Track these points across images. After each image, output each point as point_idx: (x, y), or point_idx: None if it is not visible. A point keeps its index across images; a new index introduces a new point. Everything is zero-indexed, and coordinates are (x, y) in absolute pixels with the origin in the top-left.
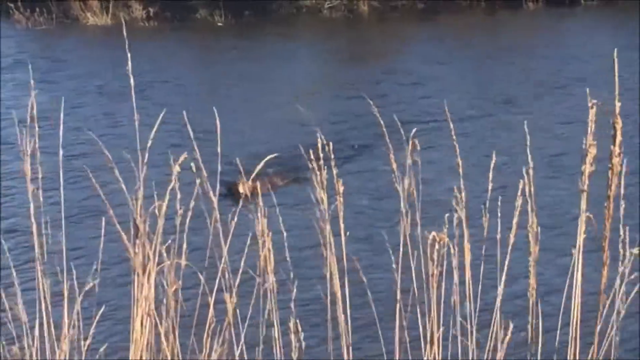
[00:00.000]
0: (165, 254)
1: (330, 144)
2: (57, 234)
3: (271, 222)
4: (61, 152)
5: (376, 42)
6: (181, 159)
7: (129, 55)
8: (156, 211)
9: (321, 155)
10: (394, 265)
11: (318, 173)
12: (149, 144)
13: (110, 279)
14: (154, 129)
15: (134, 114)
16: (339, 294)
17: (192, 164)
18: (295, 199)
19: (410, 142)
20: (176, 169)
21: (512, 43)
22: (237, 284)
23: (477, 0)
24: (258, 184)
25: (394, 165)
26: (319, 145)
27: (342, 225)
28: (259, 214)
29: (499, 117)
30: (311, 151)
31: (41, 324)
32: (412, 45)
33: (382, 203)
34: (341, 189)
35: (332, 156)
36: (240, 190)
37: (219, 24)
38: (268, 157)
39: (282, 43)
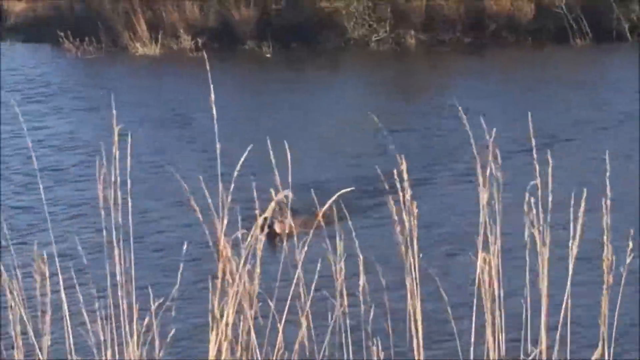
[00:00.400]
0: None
1: (404, 167)
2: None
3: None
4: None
5: (423, 75)
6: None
7: (211, 86)
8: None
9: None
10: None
11: (400, 194)
12: (234, 174)
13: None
14: (240, 162)
15: (216, 143)
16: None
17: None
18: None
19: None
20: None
21: (559, 78)
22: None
23: (525, 35)
24: (297, 222)
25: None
26: (399, 169)
27: (416, 247)
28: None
29: (543, 152)
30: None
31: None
32: (459, 79)
33: (432, 230)
34: (415, 211)
35: (405, 179)
36: (277, 229)
37: (267, 55)
38: (341, 192)
39: (329, 75)
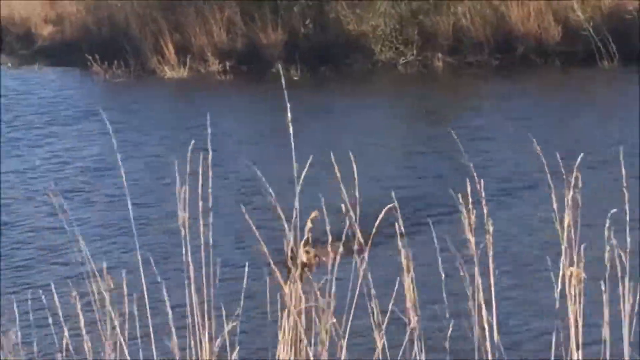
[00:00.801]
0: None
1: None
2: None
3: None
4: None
5: (450, 98)
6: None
7: (288, 105)
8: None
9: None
10: None
11: (467, 214)
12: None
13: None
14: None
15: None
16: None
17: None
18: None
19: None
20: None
21: (587, 101)
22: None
23: (552, 57)
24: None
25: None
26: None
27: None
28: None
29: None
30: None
31: None
32: (486, 102)
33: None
34: (491, 229)
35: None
36: (304, 258)
37: (295, 77)
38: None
39: (357, 98)
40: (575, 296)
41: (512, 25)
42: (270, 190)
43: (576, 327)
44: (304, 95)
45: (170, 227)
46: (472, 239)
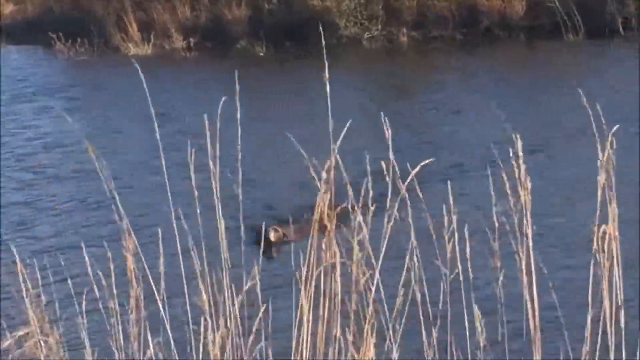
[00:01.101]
0: None
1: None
2: None
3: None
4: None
5: (415, 72)
6: None
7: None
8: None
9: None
10: None
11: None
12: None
13: None
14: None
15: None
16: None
17: None
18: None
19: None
20: None
21: (552, 74)
22: None
23: (517, 32)
24: (291, 231)
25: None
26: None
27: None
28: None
29: (538, 151)
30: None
31: None
32: (451, 76)
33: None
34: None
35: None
36: (272, 238)
37: (260, 54)
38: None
39: (322, 73)
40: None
41: (477, 0)
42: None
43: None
44: (269, 71)
45: (143, 202)
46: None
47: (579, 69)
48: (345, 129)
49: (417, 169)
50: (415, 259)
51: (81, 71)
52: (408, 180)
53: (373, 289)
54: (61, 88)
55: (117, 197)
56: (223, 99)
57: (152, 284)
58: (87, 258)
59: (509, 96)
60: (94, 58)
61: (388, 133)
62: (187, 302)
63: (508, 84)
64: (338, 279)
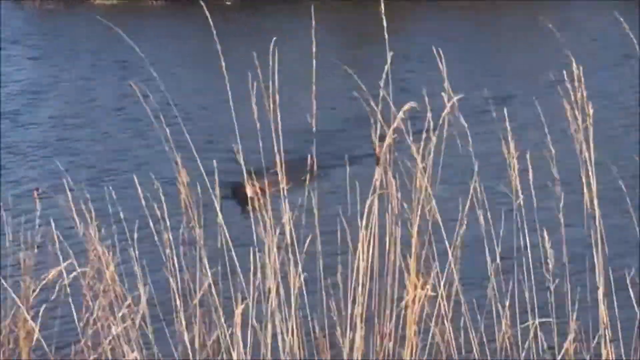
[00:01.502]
0: None
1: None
2: None
3: None
4: None
5: (381, 19)
6: None
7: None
8: None
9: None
10: None
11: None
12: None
13: None
14: None
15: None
16: None
17: None
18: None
19: None
20: None
21: (517, 23)
22: None
23: None
24: (265, 185)
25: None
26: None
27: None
28: None
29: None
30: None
31: None
32: (417, 24)
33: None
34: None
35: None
36: (248, 192)
37: (227, 2)
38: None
39: (289, 21)
40: None
41: None
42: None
43: None
44: (235, 20)
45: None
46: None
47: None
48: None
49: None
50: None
51: (48, 21)
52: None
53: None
54: (26, 37)
55: None
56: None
57: None
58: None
59: (469, 44)
60: (60, 8)
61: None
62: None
63: (470, 32)
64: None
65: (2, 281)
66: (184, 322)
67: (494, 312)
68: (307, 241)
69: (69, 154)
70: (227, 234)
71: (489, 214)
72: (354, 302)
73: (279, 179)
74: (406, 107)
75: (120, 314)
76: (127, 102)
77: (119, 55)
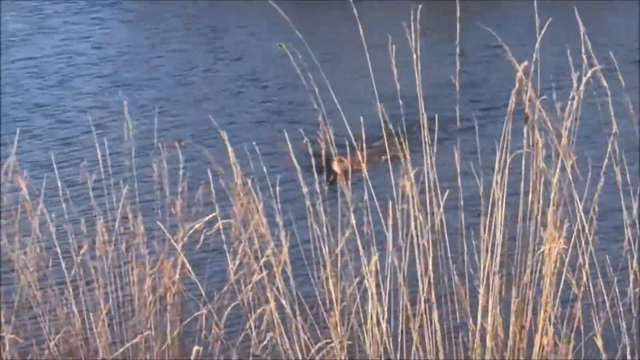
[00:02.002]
0: None
1: None
2: None
3: None
4: None
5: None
6: None
7: None
8: None
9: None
10: None
11: None
12: None
13: None
14: None
15: None
16: None
17: None
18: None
19: None
20: None
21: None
22: None
23: None
24: (353, 161)
25: None
26: None
27: None
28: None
29: None
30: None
31: None
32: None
33: None
34: None
35: None
36: (335, 168)
37: None
38: None
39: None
40: None
41: None
42: None
43: None
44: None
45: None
46: None
47: None
48: None
49: None
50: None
51: None
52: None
53: None
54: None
55: None
56: None
57: None
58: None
59: None
60: None
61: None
62: None
63: None
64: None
65: (160, 224)
66: (328, 269)
67: (629, 267)
68: (445, 195)
69: (169, 114)
70: (370, 186)
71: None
72: (491, 252)
73: (373, 154)
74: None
75: (262, 261)
76: (221, 65)
77: (210, 20)
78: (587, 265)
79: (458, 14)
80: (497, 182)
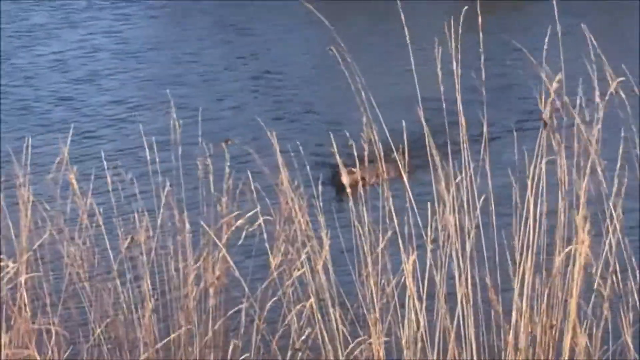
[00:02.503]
0: None
1: None
2: None
3: None
4: None
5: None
6: None
7: None
8: None
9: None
10: None
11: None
12: None
13: None
14: None
15: None
16: None
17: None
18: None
19: None
20: None
21: None
22: None
23: None
24: (366, 174)
25: None
26: None
27: None
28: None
29: None
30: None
31: None
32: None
33: None
34: None
35: None
36: (344, 181)
37: None
38: None
39: None
40: None
41: None
42: None
43: None
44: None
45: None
46: None
47: None
48: None
49: None
50: None
51: None
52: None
53: None
54: None
55: None
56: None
57: None
58: None
59: None
60: None
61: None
62: None
63: None
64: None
65: (203, 224)
66: (370, 268)
67: None
68: (482, 199)
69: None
70: (409, 190)
71: None
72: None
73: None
74: (557, 77)
75: (303, 257)
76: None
77: (231, 19)
78: (616, 266)
79: (480, 23)
80: (529, 187)
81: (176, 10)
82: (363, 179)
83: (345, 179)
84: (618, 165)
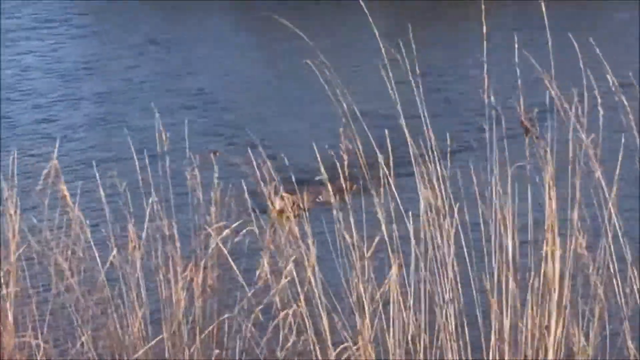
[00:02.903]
0: None
1: None
2: None
3: None
4: None
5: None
6: None
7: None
8: None
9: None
10: None
11: None
12: None
13: None
14: None
15: None
16: None
17: None
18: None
19: None
20: None
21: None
22: None
23: None
24: (303, 196)
25: None
26: None
27: None
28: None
29: None
30: None
31: None
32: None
33: None
34: None
35: None
36: (277, 205)
37: None
38: None
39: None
40: None
41: None
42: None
43: None
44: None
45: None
46: None
47: None
48: None
49: None
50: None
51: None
52: None
53: None
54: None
55: None
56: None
57: None
58: None
59: None
60: None
61: None
62: None
63: None
64: None
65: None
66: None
67: None
68: (457, 207)
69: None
70: (397, 198)
71: None
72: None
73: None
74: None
75: (291, 264)
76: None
77: (155, 34)
78: (610, 266)
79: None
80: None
81: (106, 29)
82: (295, 203)
83: (277, 203)
84: (618, 166)
